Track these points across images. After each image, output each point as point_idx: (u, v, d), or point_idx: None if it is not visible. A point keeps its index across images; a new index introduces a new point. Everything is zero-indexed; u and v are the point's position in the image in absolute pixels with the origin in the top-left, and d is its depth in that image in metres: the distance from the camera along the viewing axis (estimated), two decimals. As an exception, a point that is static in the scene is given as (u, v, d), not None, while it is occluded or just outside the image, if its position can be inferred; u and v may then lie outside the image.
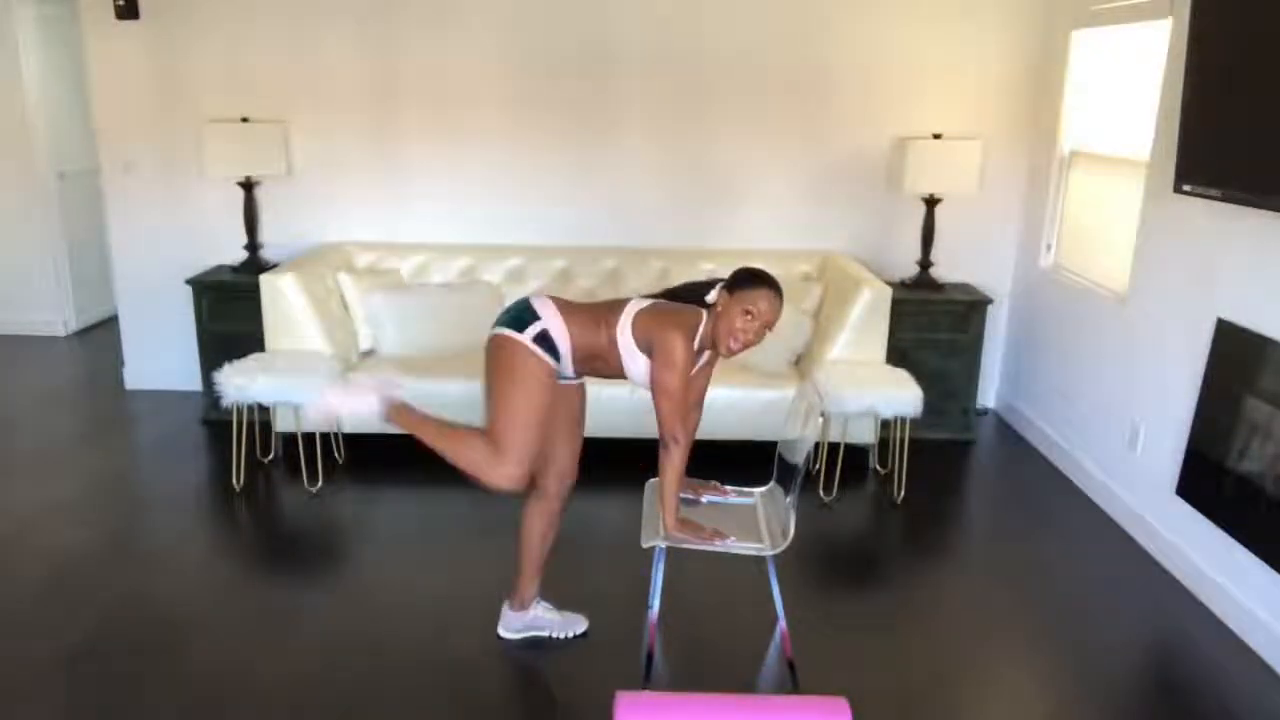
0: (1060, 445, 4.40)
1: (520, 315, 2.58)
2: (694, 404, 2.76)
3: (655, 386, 2.50)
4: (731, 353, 2.55)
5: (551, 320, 2.57)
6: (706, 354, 2.66)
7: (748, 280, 2.54)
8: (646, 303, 2.62)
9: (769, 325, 2.54)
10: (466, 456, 2.54)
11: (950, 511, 4.01)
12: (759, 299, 2.51)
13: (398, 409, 2.62)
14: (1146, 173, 3.72)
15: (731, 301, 2.52)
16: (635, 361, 2.56)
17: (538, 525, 2.85)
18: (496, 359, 2.57)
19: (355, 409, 2.61)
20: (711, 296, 2.57)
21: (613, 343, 2.57)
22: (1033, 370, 4.77)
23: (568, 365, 2.61)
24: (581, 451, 2.84)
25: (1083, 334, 4.25)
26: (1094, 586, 3.38)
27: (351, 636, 2.97)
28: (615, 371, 2.63)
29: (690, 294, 2.65)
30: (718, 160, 4.85)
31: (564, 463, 2.79)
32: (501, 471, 2.50)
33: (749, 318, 2.50)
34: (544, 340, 2.54)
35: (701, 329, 2.55)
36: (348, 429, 2.55)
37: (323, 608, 3.14)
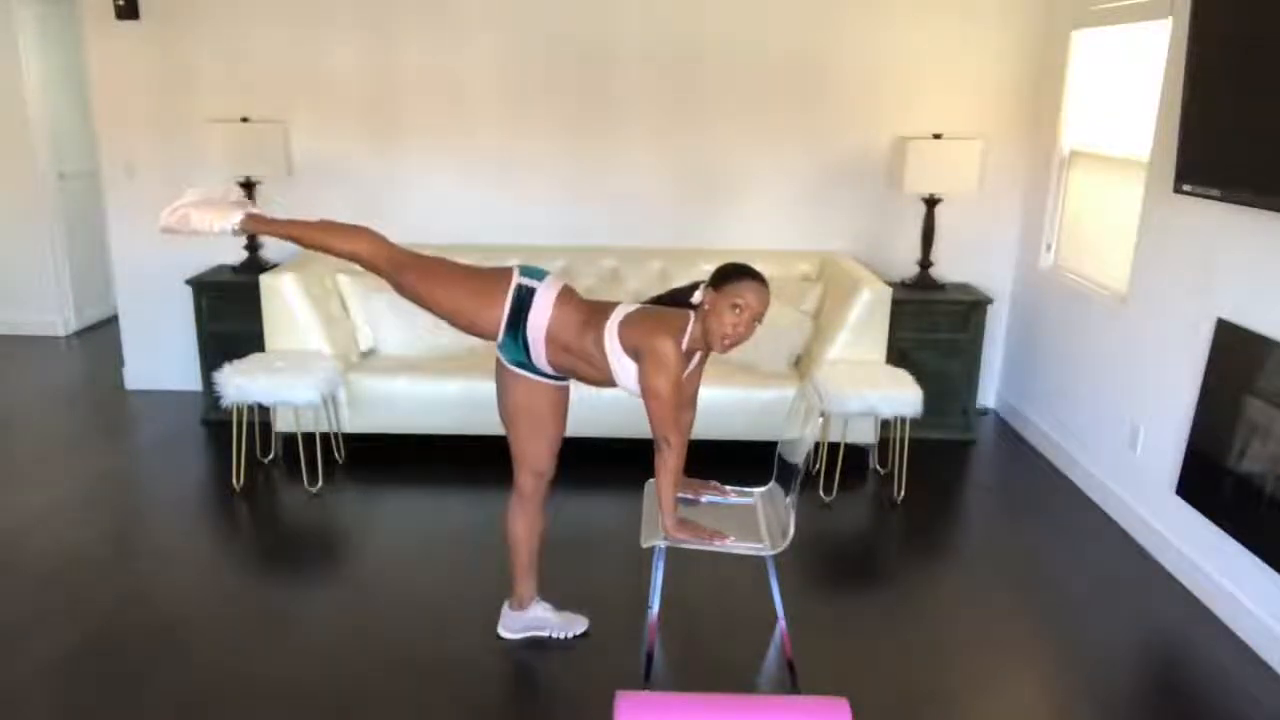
0: (1060, 445, 4.40)
1: (534, 271, 2.65)
2: (686, 404, 2.76)
3: (646, 390, 2.50)
4: (726, 348, 2.55)
5: (544, 294, 2.59)
6: (697, 355, 2.67)
7: (731, 274, 2.55)
8: (633, 308, 2.62)
9: (758, 317, 2.54)
10: (346, 236, 2.58)
11: (950, 511, 4.01)
12: (745, 291, 2.51)
13: (254, 219, 2.58)
14: (1146, 173, 3.72)
15: (718, 298, 2.53)
16: (622, 365, 2.56)
17: (519, 526, 2.86)
18: (487, 269, 2.69)
19: (213, 225, 2.53)
20: (697, 296, 2.57)
21: (598, 346, 2.57)
22: (1033, 370, 4.77)
23: (539, 354, 2.61)
24: (559, 452, 2.83)
25: (1083, 334, 4.25)
26: (1094, 586, 3.38)
27: (351, 636, 2.97)
28: (602, 376, 2.62)
29: (675, 300, 2.65)
30: (718, 160, 4.84)
31: (539, 462, 2.78)
32: (380, 253, 2.58)
33: (738, 311, 2.50)
34: (522, 296, 2.57)
35: (690, 330, 2.56)
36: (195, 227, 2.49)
37: (322, 607, 3.14)
